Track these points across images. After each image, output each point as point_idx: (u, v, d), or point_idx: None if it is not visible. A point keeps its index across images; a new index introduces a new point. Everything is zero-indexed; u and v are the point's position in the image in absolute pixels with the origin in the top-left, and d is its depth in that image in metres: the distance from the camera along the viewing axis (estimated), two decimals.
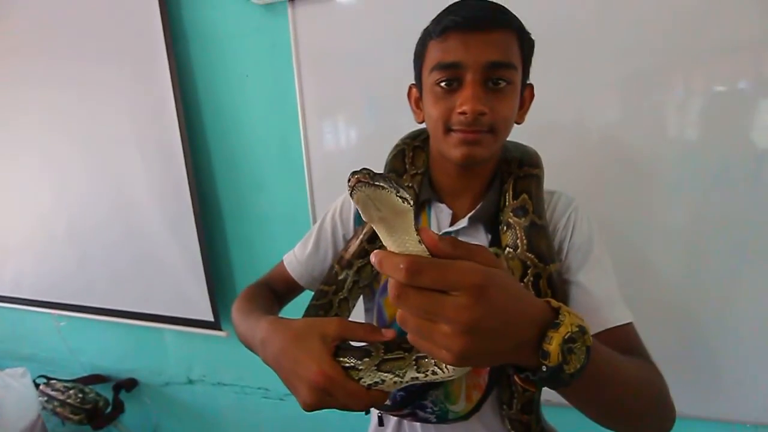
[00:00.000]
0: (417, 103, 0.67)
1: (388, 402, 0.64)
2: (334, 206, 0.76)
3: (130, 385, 1.84)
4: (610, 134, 1.04)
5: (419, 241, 0.33)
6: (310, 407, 0.44)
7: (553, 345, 0.33)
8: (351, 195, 0.31)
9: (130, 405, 1.85)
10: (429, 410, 0.62)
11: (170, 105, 1.30)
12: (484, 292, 0.30)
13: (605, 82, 1.01)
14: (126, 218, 1.49)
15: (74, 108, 1.45)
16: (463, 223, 0.64)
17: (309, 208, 1.31)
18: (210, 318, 1.47)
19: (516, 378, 0.39)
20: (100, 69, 1.37)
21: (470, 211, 0.65)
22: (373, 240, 0.66)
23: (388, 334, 0.46)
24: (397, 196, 0.31)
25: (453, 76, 0.56)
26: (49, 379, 1.81)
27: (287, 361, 0.46)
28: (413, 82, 0.67)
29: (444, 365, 0.41)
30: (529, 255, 0.58)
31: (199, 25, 1.30)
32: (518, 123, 0.63)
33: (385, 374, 0.43)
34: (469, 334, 0.30)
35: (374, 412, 0.75)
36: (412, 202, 0.33)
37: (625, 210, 1.04)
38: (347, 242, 0.70)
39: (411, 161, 0.70)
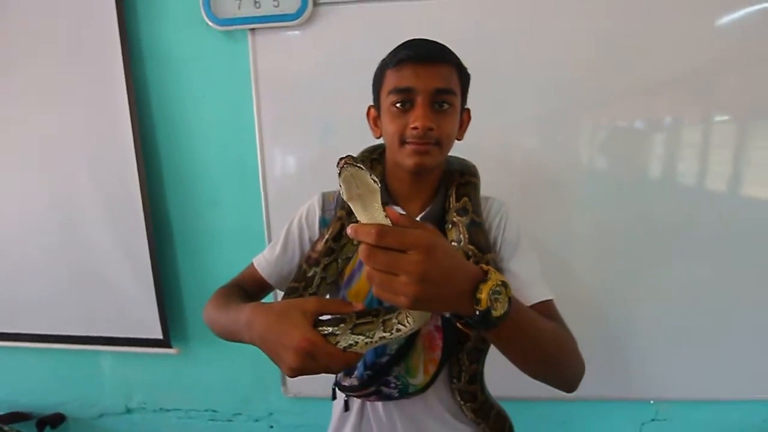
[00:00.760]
0: (375, 121, 0.79)
1: (356, 382, 0.72)
2: (300, 213, 0.84)
3: (56, 420, 1.66)
4: (532, 158, 1.25)
5: (385, 216, 0.43)
6: (295, 371, 0.51)
7: (483, 294, 0.44)
8: (339, 174, 0.40)
9: None
10: (393, 385, 0.71)
11: (124, 117, 1.30)
12: (432, 251, 0.40)
13: (528, 117, 1.22)
14: (69, 233, 1.42)
15: (27, 120, 1.39)
16: None
17: (264, 226, 1.36)
18: (159, 336, 1.43)
19: (458, 324, 0.49)
20: (56, 82, 1.34)
21: (421, 213, 0.76)
22: (337, 238, 0.75)
23: (358, 306, 0.55)
24: (370, 177, 0.42)
25: (406, 99, 0.68)
26: None
27: (273, 334, 0.53)
28: (371, 104, 0.79)
29: (405, 319, 0.51)
30: (470, 246, 0.70)
31: (157, 45, 1.34)
32: (459, 139, 0.77)
33: (358, 336, 0.52)
34: (421, 282, 0.40)
35: (340, 399, 0.82)
36: (379, 184, 0.43)
37: (543, 221, 1.24)
38: (314, 243, 0.78)
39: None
